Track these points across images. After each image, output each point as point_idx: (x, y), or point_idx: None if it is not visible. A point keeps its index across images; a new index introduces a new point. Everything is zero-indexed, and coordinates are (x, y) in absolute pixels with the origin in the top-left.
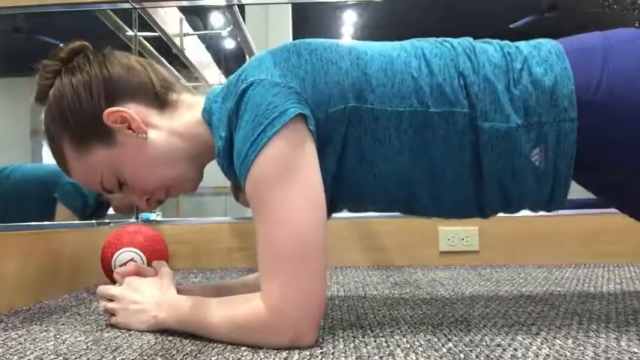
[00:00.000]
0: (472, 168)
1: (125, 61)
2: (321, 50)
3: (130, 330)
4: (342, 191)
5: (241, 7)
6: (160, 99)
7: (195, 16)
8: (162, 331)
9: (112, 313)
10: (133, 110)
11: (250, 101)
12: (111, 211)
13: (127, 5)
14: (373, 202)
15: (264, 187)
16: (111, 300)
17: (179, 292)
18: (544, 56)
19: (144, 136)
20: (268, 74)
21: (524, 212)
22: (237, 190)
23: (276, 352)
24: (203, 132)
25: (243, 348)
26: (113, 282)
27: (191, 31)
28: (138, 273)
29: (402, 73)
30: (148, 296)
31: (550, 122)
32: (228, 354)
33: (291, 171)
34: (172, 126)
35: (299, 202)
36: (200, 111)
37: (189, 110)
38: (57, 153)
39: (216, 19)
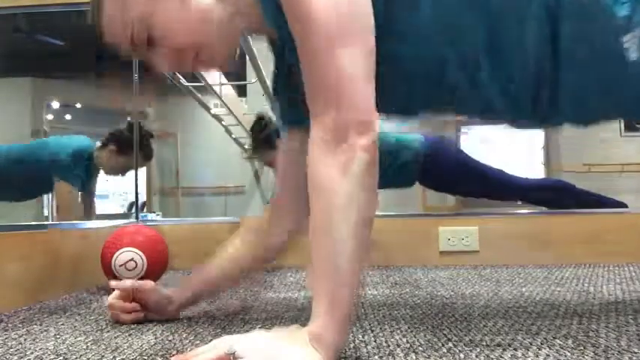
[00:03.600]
0: (544, 35)
1: None
2: None
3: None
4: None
5: None
6: None
7: None
8: (162, 331)
9: None
10: None
11: None
12: (101, 176)
13: None
14: (416, 62)
15: None
16: None
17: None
18: None
19: None
20: None
21: (525, 212)
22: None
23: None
24: None
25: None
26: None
27: None
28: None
29: None
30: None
31: None
32: None
33: None
34: None
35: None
36: None
37: None
38: None
39: None
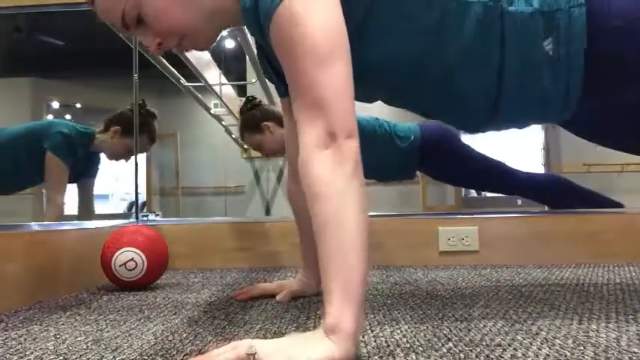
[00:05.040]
0: (492, 58)
1: None
2: None
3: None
4: (362, 49)
5: None
6: None
7: None
8: (163, 331)
9: None
10: None
11: None
12: (103, 160)
13: None
14: (387, 71)
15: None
16: None
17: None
18: None
19: None
20: None
21: (525, 212)
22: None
23: None
24: None
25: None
26: (114, 282)
27: None
28: None
29: None
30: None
31: (562, 9)
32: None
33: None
34: None
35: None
36: None
37: None
38: None
39: None
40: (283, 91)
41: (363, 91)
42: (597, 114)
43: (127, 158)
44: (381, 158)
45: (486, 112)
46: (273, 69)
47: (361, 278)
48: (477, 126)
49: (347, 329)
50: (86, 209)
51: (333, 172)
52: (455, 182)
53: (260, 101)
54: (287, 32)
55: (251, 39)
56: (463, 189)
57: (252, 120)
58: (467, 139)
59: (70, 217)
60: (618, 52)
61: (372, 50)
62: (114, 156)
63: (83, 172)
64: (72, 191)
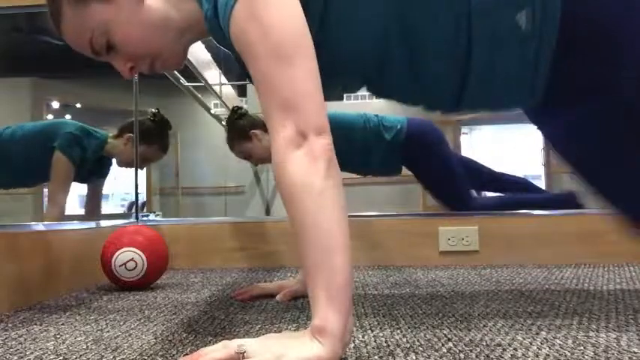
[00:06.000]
0: (458, 31)
1: None
2: None
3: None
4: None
5: None
6: None
7: None
8: (162, 331)
9: None
10: None
11: None
12: (113, 165)
13: None
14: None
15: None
16: None
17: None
18: None
19: None
20: None
21: (525, 211)
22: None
23: None
24: (194, 8)
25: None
26: (114, 282)
27: None
28: None
29: None
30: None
31: None
32: None
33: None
34: None
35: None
36: None
37: None
38: (53, 3)
39: None
40: None
41: (335, 86)
42: (582, 121)
43: (139, 166)
44: (367, 151)
45: (455, 86)
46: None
47: (345, 278)
48: (451, 103)
49: (333, 330)
50: (94, 209)
51: (307, 171)
52: (431, 185)
53: (246, 110)
54: (246, 33)
55: None
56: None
57: (240, 129)
58: (466, 139)
59: (71, 218)
60: (598, 17)
61: (336, 41)
62: (124, 163)
63: (95, 172)
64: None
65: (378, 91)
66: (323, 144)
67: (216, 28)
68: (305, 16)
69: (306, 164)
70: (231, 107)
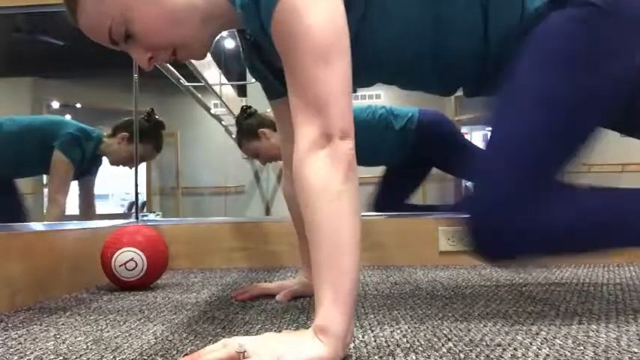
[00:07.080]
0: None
1: None
2: None
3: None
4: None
5: None
6: None
7: None
8: (162, 331)
9: None
10: None
11: None
12: (105, 164)
13: None
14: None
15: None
16: None
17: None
18: None
19: None
20: None
21: None
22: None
23: None
24: None
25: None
26: (114, 282)
27: None
28: None
29: None
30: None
31: None
32: None
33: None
34: None
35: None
36: None
37: None
38: None
39: None
40: (276, 92)
41: (364, 79)
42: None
43: (130, 165)
44: (377, 144)
45: (477, 62)
46: (269, 68)
47: (353, 281)
48: (474, 79)
49: (336, 331)
50: (87, 207)
51: (327, 173)
52: (449, 167)
53: (255, 110)
54: (289, 28)
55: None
56: (464, 190)
57: (249, 128)
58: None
59: (70, 218)
60: None
61: (372, 38)
62: (116, 162)
63: (86, 171)
64: (72, 192)
65: (399, 83)
66: (346, 148)
67: (253, 17)
68: (347, 13)
69: (328, 166)
70: (231, 107)
